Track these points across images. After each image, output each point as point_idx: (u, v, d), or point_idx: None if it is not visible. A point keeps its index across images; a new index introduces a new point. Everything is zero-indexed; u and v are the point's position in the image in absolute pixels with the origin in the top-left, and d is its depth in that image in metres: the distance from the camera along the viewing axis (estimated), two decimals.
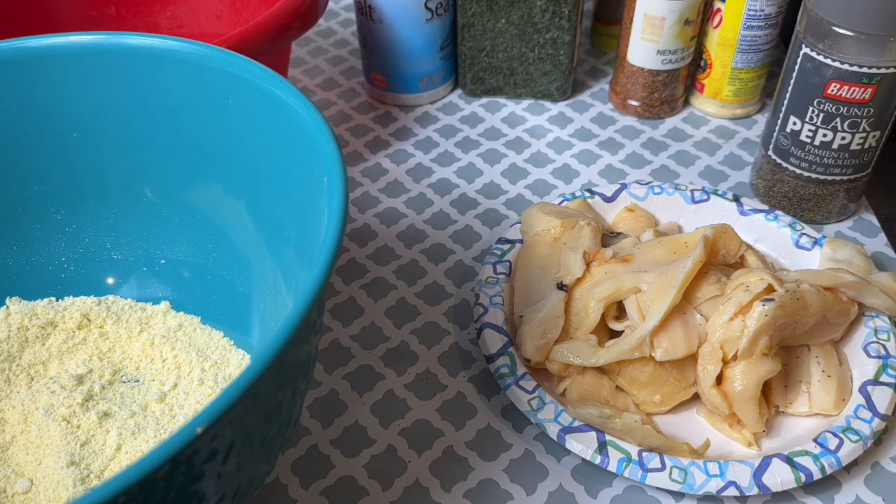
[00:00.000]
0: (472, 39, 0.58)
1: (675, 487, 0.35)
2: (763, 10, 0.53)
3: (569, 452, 0.39)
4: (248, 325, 0.40)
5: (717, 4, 0.54)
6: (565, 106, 0.61)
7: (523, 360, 0.40)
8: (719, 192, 0.48)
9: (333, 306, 0.47)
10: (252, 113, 0.36)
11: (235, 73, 0.36)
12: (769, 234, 0.47)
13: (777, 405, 0.39)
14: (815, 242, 0.45)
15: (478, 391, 0.42)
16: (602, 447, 0.36)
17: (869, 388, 0.38)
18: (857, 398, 0.38)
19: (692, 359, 0.39)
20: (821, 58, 0.44)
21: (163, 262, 0.43)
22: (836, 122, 0.45)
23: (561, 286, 0.42)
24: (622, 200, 0.49)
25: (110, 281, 0.43)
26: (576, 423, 0.37)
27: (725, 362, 0.38)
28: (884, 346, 0.40)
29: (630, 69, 0.57)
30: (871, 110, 0.44)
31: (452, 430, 0.40)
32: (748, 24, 0.53)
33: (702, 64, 0.57)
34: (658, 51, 0.55)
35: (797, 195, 0.49)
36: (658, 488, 0.37)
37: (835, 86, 0.44)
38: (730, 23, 0.54)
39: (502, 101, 0.62)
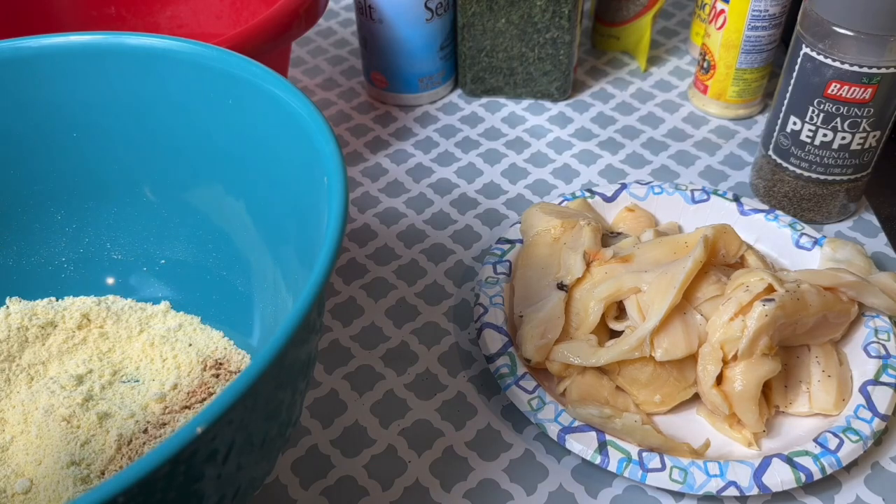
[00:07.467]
0: (472, 39, 0.58)
1: (676, 487, 0.35)
2: (767, 11, 0.53)
3: (569, 452, 0.39)
4: (249, 325, 0.40)
5: (721, 5, 0.54)
6: (565, 106, 0.61)
7: (523, 360, 0.40)
8: (719, 192, 0.48)
9: (333, 306, 0.47)
10: (252, 113, 0.36)
11: (235, 73, 0.36)
12: (769, 234, 0.47)
13: (777, 405, 0.39)
14: (815, 242, 0.45)
15: (478, 391, 0.42)
16: (602, 447, 0.36)
17: (869, 388, 0.38)
18: (857, 398, 0.38)
19: (692, 359, 0.39)
20: (821, 58, 0.44)
21: (163, 262, 0.43)
22: (837, 122, 0.45)
23: (561, 286, 0.42)
24: (622, 200, 0.49)
25: (110, 281, 0.43)
26: (576, 423, 0.37)
27: (725, 362, 0.38)
28: (884, 346, 0.40)
29: None
30: (872, 110, 0.44)
31: (452, 430, 0.40)
32: (752, 24, 0.53)
33: (705, 65, 0.57)
34: None
35: (797, 195, 0.49)
36: (658, 488, 0.37)
37: (835, 86, 0.44)
38: (734, 24, 0.54)
39: (502, 100, 0.62)
